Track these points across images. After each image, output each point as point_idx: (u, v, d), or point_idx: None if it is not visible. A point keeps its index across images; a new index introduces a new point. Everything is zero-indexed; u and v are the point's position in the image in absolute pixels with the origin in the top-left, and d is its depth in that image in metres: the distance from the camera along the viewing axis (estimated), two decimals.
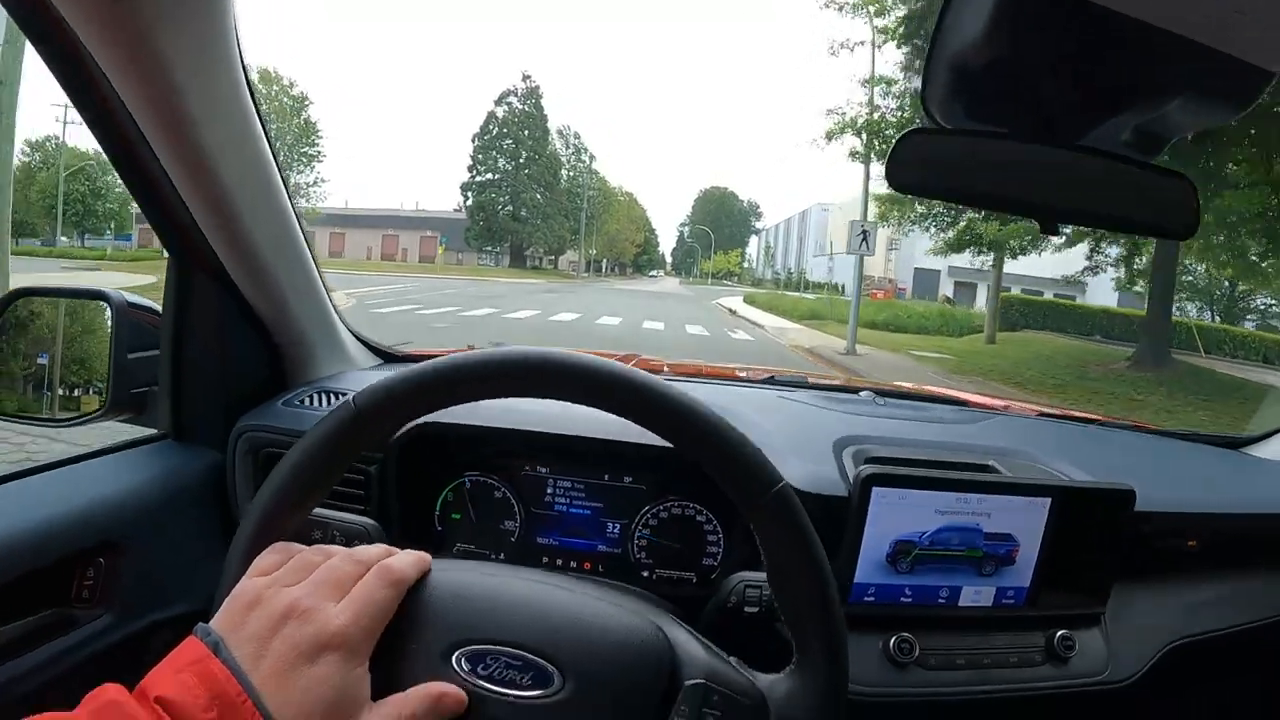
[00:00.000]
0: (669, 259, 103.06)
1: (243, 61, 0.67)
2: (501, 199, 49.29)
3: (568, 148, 56.85)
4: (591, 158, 59.31)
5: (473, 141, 50.79)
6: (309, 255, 0.88)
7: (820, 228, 66.47)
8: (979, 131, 0.59)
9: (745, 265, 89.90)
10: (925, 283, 39.34)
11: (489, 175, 49.64)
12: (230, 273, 0.81)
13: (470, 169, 50.24)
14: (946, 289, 37.01)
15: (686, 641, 0.47)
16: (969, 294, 36.90)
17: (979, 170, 0.58)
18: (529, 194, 49.23)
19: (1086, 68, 0.57)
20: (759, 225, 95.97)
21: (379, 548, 0.46)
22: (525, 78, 52.51)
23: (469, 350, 0.53)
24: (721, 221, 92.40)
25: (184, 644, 0.39)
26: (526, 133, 50.04)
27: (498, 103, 50.66)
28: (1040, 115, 0.59)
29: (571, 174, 56.65)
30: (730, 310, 22.04)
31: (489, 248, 50.31)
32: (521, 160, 49.74)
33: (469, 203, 49.12)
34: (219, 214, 0.74)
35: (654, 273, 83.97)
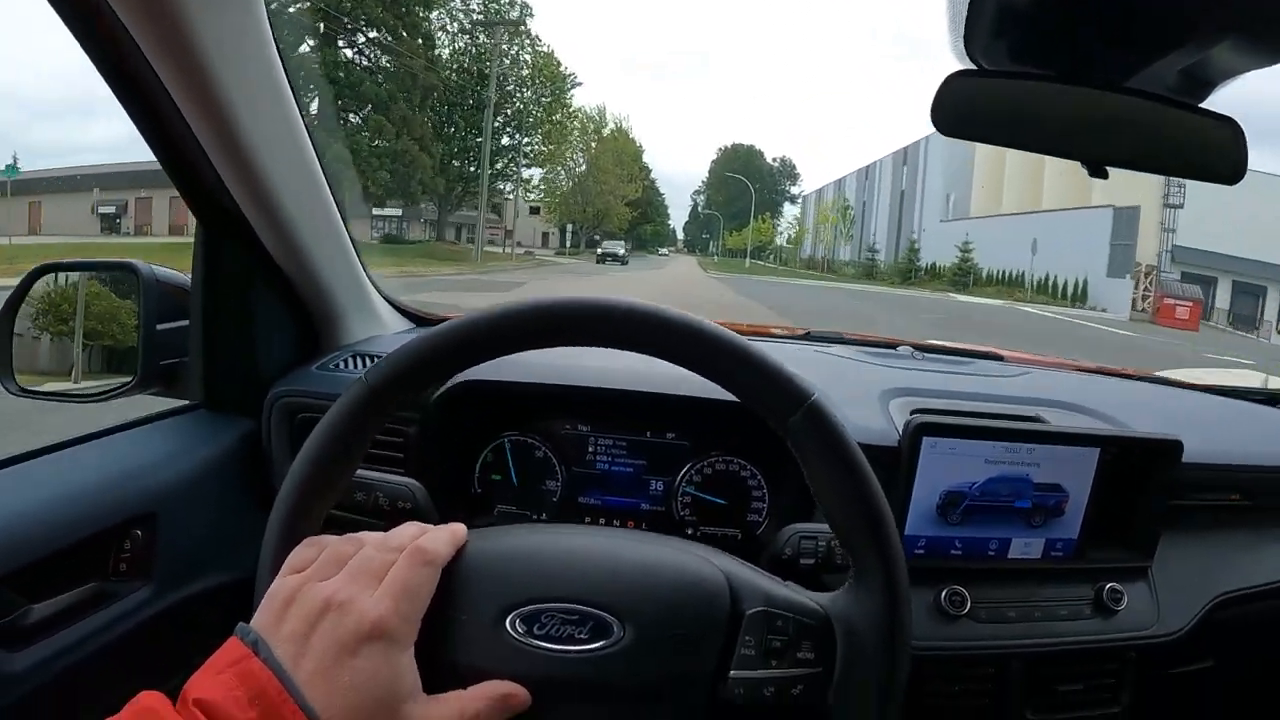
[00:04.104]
0: (680, 234, 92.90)
1: (269, 17, 0.68)
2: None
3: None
4: (525, 7, 27.47)
5: None
6: (339, 218, 0.89)
7: (956, 171, 37.60)
8: (1023, 74, 0.59)
9: (783, 239, 72.14)
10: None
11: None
12: (260, 237, 0.82)
13: None
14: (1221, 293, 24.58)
15: (742, 572, 0.48)
16: (1250, 301, 24.16)
17: (1023, 113, 0.59)
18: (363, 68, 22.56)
19: (1134, 7, 0.57)
20: (795, 189, 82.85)
21: (411, 529, 0.46)
22: None
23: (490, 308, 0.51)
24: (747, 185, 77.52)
25: (225, 645, 0.40)
26: None
27: None
28: (1086, 56, 0.59)
29: (473, 41, 26.84)
30: None
31: None
32: None
33: None
34: (248, 175, 0.74)
35: (618, 248, 36.15)
